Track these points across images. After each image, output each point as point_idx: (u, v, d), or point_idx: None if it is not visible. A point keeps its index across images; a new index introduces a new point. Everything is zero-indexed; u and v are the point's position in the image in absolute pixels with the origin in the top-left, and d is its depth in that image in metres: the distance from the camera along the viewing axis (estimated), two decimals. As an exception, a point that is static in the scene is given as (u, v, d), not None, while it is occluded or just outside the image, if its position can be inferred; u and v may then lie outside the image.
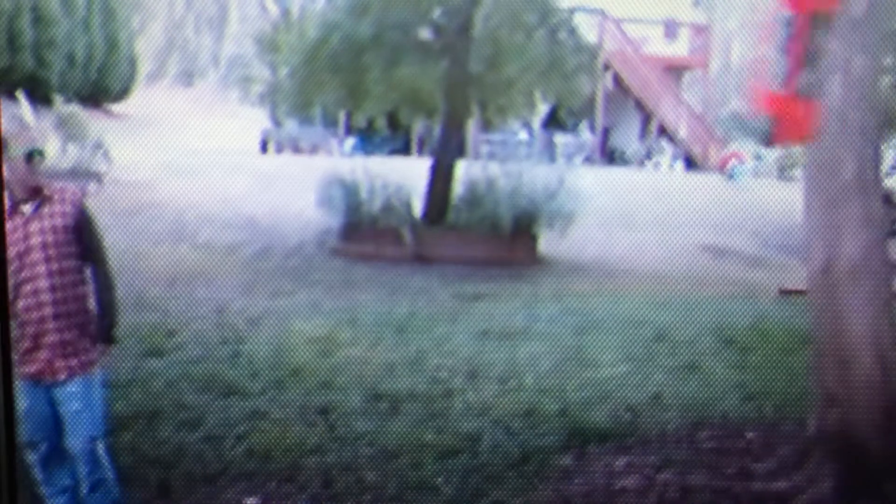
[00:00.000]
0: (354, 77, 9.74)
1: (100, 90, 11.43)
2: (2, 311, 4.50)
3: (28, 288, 5.03)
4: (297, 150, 11.56)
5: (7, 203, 5.06)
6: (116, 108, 11.79)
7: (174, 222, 9.67)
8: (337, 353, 7.85)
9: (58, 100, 10.46)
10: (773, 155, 10.69)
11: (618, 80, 11.09)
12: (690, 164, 11.09)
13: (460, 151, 10.24)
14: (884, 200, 6.32)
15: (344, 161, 10.60)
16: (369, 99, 9.89)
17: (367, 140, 11.28)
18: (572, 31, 10.00)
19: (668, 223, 9.69)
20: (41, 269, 5.04)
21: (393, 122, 10.94)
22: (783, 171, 10.59)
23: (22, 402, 5.10)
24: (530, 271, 9.52)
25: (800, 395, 6.76)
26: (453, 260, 9.47)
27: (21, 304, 5.04)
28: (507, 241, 9.70)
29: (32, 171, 5.13)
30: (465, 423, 6.96)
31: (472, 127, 10.65)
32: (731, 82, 11.37)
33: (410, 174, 10.04)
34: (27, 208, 5.09)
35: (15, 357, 5.06)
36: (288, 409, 7.06)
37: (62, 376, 5.11)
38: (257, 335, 8.06)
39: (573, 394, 7.35)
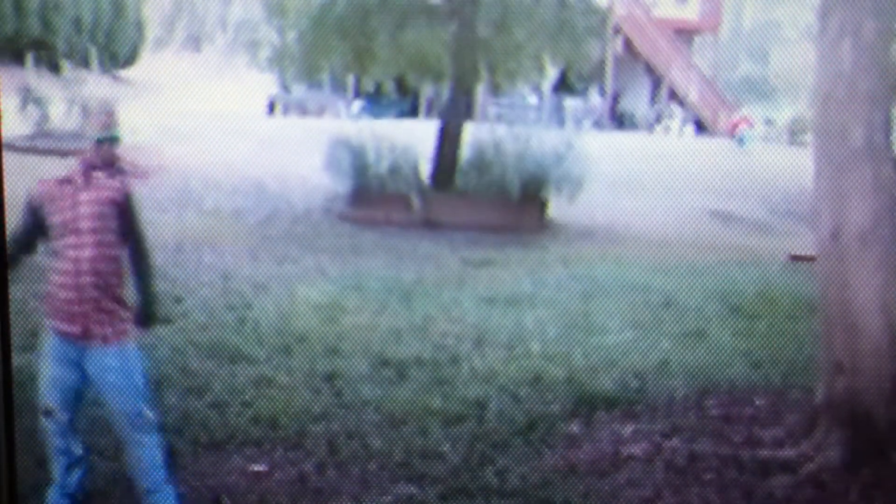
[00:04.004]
0: (362, 41, 9.69)
1: (107, 55, 11.39)
2: (2, 311, 4.52)
3: (71, 254, 5.07)
4: (304, 111, 11.52)
5: (80, 165, 5.17)
6: (123, 73, 11.75)
7: (180, 188, 9.66)
8: (343, 319, 7.86)
9: (65, 65, 10.43)
10: (783, 119, 10.62)
11: (627, 43, 11.01)
12: (700, 128, 11.02)
13: (468, 115, 10.19)
14: (894, 167, 6.27)
15: (351, 124, 10.55)
16: (377, 63, 9.85)
17: (375, 103, 11.23)
18: (582, -6, 9.94)
19: (676, 188, 9.65)
20: (87, 238, 5.09)
21: (401, 85, 10.90)
22: (794, 136, 10.52)
23: (49, 368, 5.18)
24: (538, 237, 9.49)
25: (807, 362, 6.75)
26: (461, 225, 9.44)
27: (61, 266, 5.09)
28: (515, 206, 9.66)
29: (111, 151, 5.22)
30: (472, 390, 6.96)
31: (480, 90, 10.59)
32: (743, 46, 11.27)
33: (418, 138, 10.00)
34: (95, 176, 5.16)
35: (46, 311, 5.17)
36: (294, 376, 7.07)
37: (97, 342, 5.13)
38: (264, 301, 8.07)
39: (580, 360, 7.35)
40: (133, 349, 5.23)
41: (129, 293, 5.21)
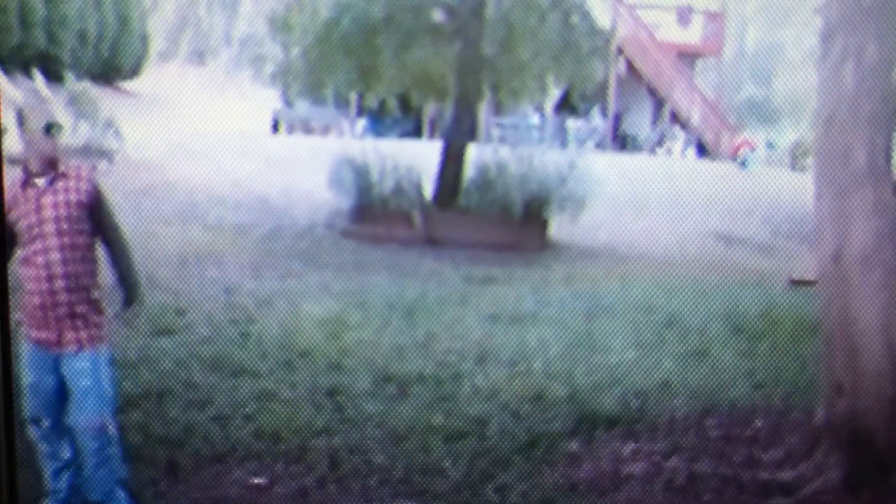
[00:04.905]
0: (366, 59, 9.73)
1: (111, 68, 11.43)
2: (2, 311, 4.53)
3: (40, 260, 5.03)
4: (308, 130, 11.56)
5: (21, 174, 5.11)
6: (128, 85, 11.79)
7: (185, 202, 9.68)
8: (346, 335, 7.87)
9: (69, 77, 10.45)
10: (785, 143, 10.67)
11: (630, 65, 11.06)
12: (702, 150, 11.06)
13: (472, 134, 10.23)
14: (895, 189, 6.30)
15: (355, 143, 10.59)
16: (381, 81, 9.89)
17: (379, 122, 11.27)
18: (585, 15, 9.98)
19: (679, 209, 9.68)
20: (53, 241, 5.05)
21: (404, 103, 10.94)
22: (795, 160, 10.56)
23: (27, 375, 5.16)
24: (541, 256, 9.52)
25: (808, 383, 6.77)
26: (464, 243, 9.48)
27: (31, 273, 5.05)
28: (517, 225, 9.70)
29: (50, 144, 5.14)
30: (474, 407, 6.97)
31: (483, 110, 10.63)
32: (745, 69, 11.33)
33: (421, 157, 10.04)
34: (41, 181, 5.09)
35: (17, 319, 5.11)
36: (297, 391, 7.08)
37: (72, 348, 5.12)
38: (267, 316, 8.08)
39: (582, 379, 7.36)
40: (106, 357, 5.21)
41: (105, 294, 5.22)
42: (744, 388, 7.23)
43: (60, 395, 5.21)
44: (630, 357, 7.67)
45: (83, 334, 5.13)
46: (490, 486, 6.11)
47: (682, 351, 7.72)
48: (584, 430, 6.73)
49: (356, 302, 8.40)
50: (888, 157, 6.06)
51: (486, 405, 6.99)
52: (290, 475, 6.16)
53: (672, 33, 11.14)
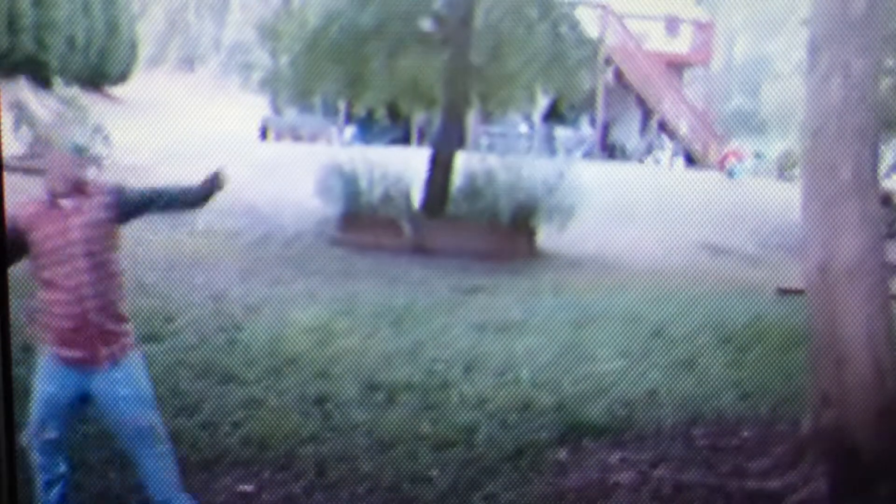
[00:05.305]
0: (355, 67, 9.73)
1: (100, 73, 11.40)
2: (2, 311, 4.51)
3: (70, 283, 4.97)
4: (296, 138, 11.55)
5: (45, 194, 5.05)
6: (116, 91, 11.77)
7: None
8: (334, 342, 7.87)
9: (58, 82, 10.43)
10: (773, 153, 10.70)
11: (619, 75, 11.09)
12: (690, 160, 11.09)
13: (460, 143, 10.23)
14: (882, 201, 6.34)
15: (343, 150, 10.59)
16: (369, 89, 9.89)
17: (367, 129, 11.27)
18: (574, 26, 10.00)
19: (666, 219, 9.70)
20: (83, 263, 5.00)
21: (393, 112, 10.94)
22: (783, 171, 10.60)
23: (45, 386, 5.10)
24: (529, 265, 9.53)
25: (795, 394, 6.80)
26: (452, 252, 9.48)
27: (61, 297, 4.99)
28: (505, 233, 9.70)
29: (78, 166, 5.11)
30: (461, 416, 6.99)
31: (472, 118, 10.65)
32: (733, 80, 11.37)
33: (410, 164, 10.04)
34: (68, 203, 5.03)
35: (34, 334, 5.09)
36: (284, 398, 7.08)
37: (106, 364, 5.09)
38: (255, 323, 8.07)
39: (569, 388, 7.38)
40: (138, 359, 5.20)
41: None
42: (731, 398, 7.26)
43: (74, 409, 5.20)
44: (617, 367, 7.69)
45: (115, 348, 5.10)
46: (478, 494, 6.13)
47: (669, 361, 7.74)
48: (572, 439, 6.76)
49: (344, 310, 8.40)
50: (874, 170, 6.10)
51: (473, 414, 7.01)
52: (278, 483, 6.16)
53: (661, 43, 11.17)
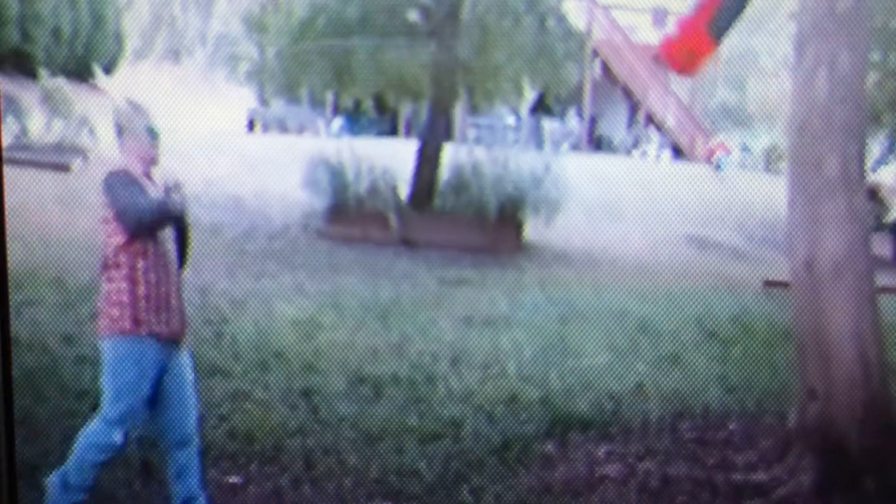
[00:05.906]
0: (341, 59, 9.71)
1: (85, 66, 11.36)
2: (2, 311, 4.49)
3: (158, 260, 5.03)
4: (283, 129, 11.53)
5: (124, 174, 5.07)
6: (102, 83, 11.73)
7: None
8: (320, 336, 7.87)
9: (43, 74, 10.39)
10: (759, 147, 10.72)
11: (606, 68, 11.09)
12: (677, 153, 11.10)
13: (447, 135, 10.23)
14: (868, 196, 6.36)
15: (330, 142, 10.57)
16: (356, 81, 9.88)
17: (355, 121, 11.26)
18: (561, 19, 9.99)
19: (653, 213, 9.72)
20: (169, 234, 5.13)
21: (380, 104, 10.93)
22: (770, 164, 10.61)
23: (125, 373, 5.04)
24: (515, 258, 9.53)
25: (781, 388, 6.83)
26: (439, 245, 9.48)
27: (152, 262, 5.02)
28: (492, 227, 9.70)
29: (155, 147, 5.18)
30: (448, 409, 7.00)
31: (459, 110, 10.64)
32: (720, 74, 11.38)
33: (397, 157, 10.03)
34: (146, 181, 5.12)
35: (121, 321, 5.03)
36: (271, 391, 7.08)
37: (182, 342, 5.17)
38: (241, 317, 8.07)
39: (555, 382, 7.39)
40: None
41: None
42: (717, 392, 7.28)
43: (153, 391, 5.14)
44: (603, 361, 7.70)
45: (185, 328, 5.20)
46: (465, 487, 6.14)
47: (655, 355, 7.77)
48: (558, 432, 6.77)
49: (330, 303, 8.40)
50: (861, 165, 6.11)
51: (460, 407, 7.02)
52: (265, 475, 6.17)
53: (648, 36, 11.17)
